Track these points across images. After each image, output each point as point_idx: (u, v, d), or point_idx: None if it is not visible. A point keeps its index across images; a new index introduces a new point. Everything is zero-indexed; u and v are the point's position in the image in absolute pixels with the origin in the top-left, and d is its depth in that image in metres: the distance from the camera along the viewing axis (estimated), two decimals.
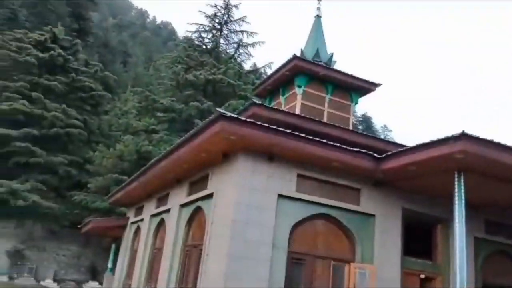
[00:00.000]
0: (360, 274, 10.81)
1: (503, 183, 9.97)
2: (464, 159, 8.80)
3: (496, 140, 8.66)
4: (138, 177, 16.54)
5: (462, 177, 9.38)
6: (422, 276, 12.08)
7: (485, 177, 9.74)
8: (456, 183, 9.38)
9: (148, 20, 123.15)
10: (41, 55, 34.89)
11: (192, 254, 12.49)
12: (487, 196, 11.24)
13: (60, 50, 36.27)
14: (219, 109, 9.42)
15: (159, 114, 33.17)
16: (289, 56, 15.83)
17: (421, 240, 12.45)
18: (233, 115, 9.78)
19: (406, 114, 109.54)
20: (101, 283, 28.19)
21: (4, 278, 28.30)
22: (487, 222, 12.73)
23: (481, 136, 8.47)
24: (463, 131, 8.31)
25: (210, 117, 9.72)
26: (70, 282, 31.04)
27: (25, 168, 32.07)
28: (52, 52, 35.16)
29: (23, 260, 30.46)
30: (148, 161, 16.53)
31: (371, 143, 13.59)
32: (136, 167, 24.68)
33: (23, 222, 30.86)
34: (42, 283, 28.94)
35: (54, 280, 29.86)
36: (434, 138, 8.96)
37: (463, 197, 9.35)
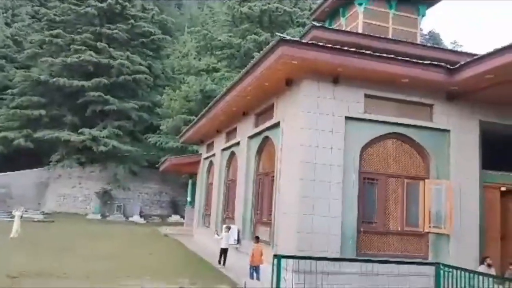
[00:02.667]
0: (435, 190, 10.67)
1: None
2: None
3: None
4: (205, 113, 17.03)
5: None
6: (503, 188, 11.67)
7: None
8: None
9: None
10: (99, 4, 35.64)
11: (264, 182, 12.94)
12: None
13: None
14: (279, 34, 9.22)
15: (217, 52, 33.13)
16: None
17: (502, 152, 11.87)
18: (293, 38, 9.55)
19: (478, 28, 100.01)
20: (182, 216, 30.40)
21: (98, 216, 31.38)
22: None
23: None
24: None
25: (271, 43, 9.57)
26: (155, 217, 33.77)
27: (102, 116, 34.20)
28: (109, 0, 35.75)
29: (111, 200, 33.43)
30: (213, 99, 16.88)
31: (441, 56, 12.74)
32: (202, 106, 25.33)
33: (107, 165, 33.47)
34: (130, 219, 31.76)
35: (141, 216, 32.60)
36: None
37: None
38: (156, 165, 27.92)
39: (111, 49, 34.61)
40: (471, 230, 10.69)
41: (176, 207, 34.96)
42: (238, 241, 13.56)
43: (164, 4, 51.12)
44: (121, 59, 34.21)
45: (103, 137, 31.95)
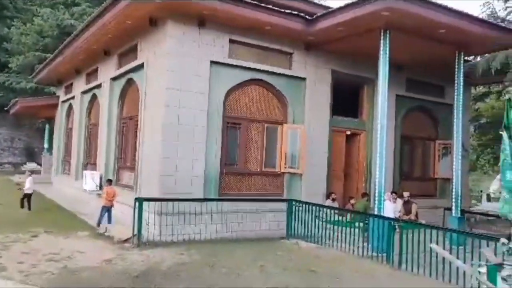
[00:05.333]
0: (292, 134, 11.54)
1: (425, 40, 10.47)
2: (389, 17, 9.01)
3: None
4: (62, 50, 15.53)
5: (387, 36, 9.70)
6: (348, 132, 13.13)
7: (409, 35, 10.15)
8: (381, 42, 9.72)
9: None
10: None
11: (129, 126, 12.53)
12: (410, 55, 11.85)
13: None
14: None
15: None
16: None
17: (349, 100, 13.23)
18: None
19: None
20: (39, 164, 28.02)
21: None
22: (408, 81, 13.68)
23: None
24: None
25: None
26: (7, 165, 30.55)
27: None
28: None
29: None
30: None
31: (303, 7, 13.21)
32: (59, 43, 22.90)
33: None
34: None
35: None
36: None
37: (387, 57, 9.80)
38: (5, 108, 24.88)
39: None
40: (320, 170, 11.91)
41: (32, 154, 31.97)
42: (101, 187, 13.12)
43: None
44: None
45: None
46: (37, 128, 29.79)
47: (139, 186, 10.81)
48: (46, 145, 24.30)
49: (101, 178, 13.28)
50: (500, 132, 5.84)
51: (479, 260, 5.57)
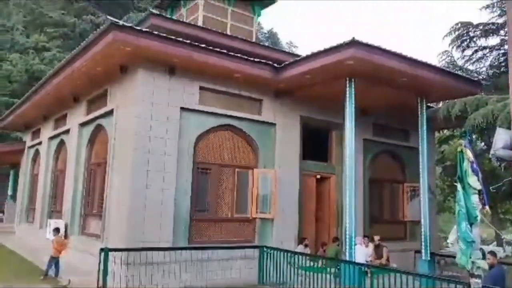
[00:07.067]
0: (262, 179, 11.57)
1: (389, 87, 10.93)
2: (353, 65, 9.41)
3: (382, 46, 9.31)
4: (30, 97, 15.33)
5: (352, 83, 10.09)
6: (318, 176, 13.27)
7: (373, 82, 10.58)
8: (347, 89, 10.08)
9: None
10: None
11: (96, 172, 12.29)
12: (375, 101, 12.28)
13: None
14: (111, 18, 8.81)
15: (49, 29, 30.04)
16: None
17: (318, 144, 13.47)
18: (127, 24, 9.23)
19: (313, 30, 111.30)
20: (2, 211, 26.81)
21: None
22: (375, 125, 14.09)
23: (369, 42, 9.03)
24: (353, 37, 8.78)
25: (102, 27, 9.09)
26: None
27: None
28: None
29: None
30: None
31: (273, 56, 13.75)
32: (27, 88, 22.66)
33: None
34: None
35: None
36: (328, 46, 9.38)
37: (353, 103, 10.15)
38: None
39: None
40: (291, 214, 11.88)
41: None
42: (66, 236, 12.62)
43: None
44: None
45: None
46: (1, 174, 28.75)
47: (105, 235, 10.47)
48: (9, 192, 23.41)
49: (66, 227, 12.81)
50: (454, 184, 6.07)
51: None
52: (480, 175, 6.64)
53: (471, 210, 6.54)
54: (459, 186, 6.20)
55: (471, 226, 6.60)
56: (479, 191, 6.63)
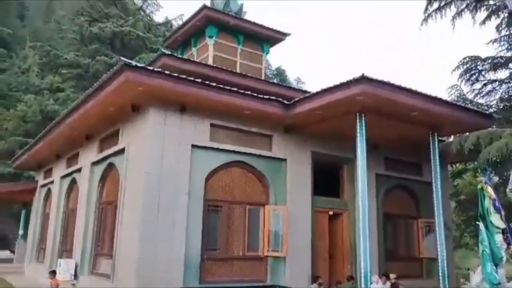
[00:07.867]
0: (274, 216, 11.42)
1: (399, 121, 10.89)
2: (363, 101, 9.43)
3: (392, 81, 9.35)
4: (44, 136, 15.57)
5: (363, 118, 10.08)
6: (331, 212, 13.06)
7: (383, 117, 10.55)
8: (358, 124, 10.07)
9: None
10: None
11: (107, 211, 12.26)
12: (386, 135, 12.23)
13: None
14: (123, 59, 9.02)
15: (63, 70, 30.86)
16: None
17: (329, 180, 13.34)
18: (139, 64, 9.44)
19: (320, 66, 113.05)
20: (13, 251, 26.69)
21: None
22: (387, 160, 13.96)
23: (379, 78, 9.08)
24: (363, 74, 8.84)
25: (115, 67, 9.30)
26: None
27: None
28: None
29: None
30: None
31: (282, 92, 13.96)
32: (41, 129, 23.09)
33: None
34: None
35: None
36: (337, 82, 9.45)
37: (364, 137, 10.11)
38: None
39: None
40: (304, 252, 11.63)
41: (6, 242, 30.49)
42: (76, 276, 12.47)
43: (2, 15, 45.81)
44: None
45: None
46: (12, 214, 28.85)
47: (116, 274, 10.31)
48: (21, 232, 23.33)
49: (76, 267, 12.66)
50: (477, 223, 5.92)
51: None
52: (503, 212, 6.47)
53: (495, 250, 6.35)
54: (481, 225, 6.04)
55: (496, 267, 6.38)
56: (503, 230, 6.45)
